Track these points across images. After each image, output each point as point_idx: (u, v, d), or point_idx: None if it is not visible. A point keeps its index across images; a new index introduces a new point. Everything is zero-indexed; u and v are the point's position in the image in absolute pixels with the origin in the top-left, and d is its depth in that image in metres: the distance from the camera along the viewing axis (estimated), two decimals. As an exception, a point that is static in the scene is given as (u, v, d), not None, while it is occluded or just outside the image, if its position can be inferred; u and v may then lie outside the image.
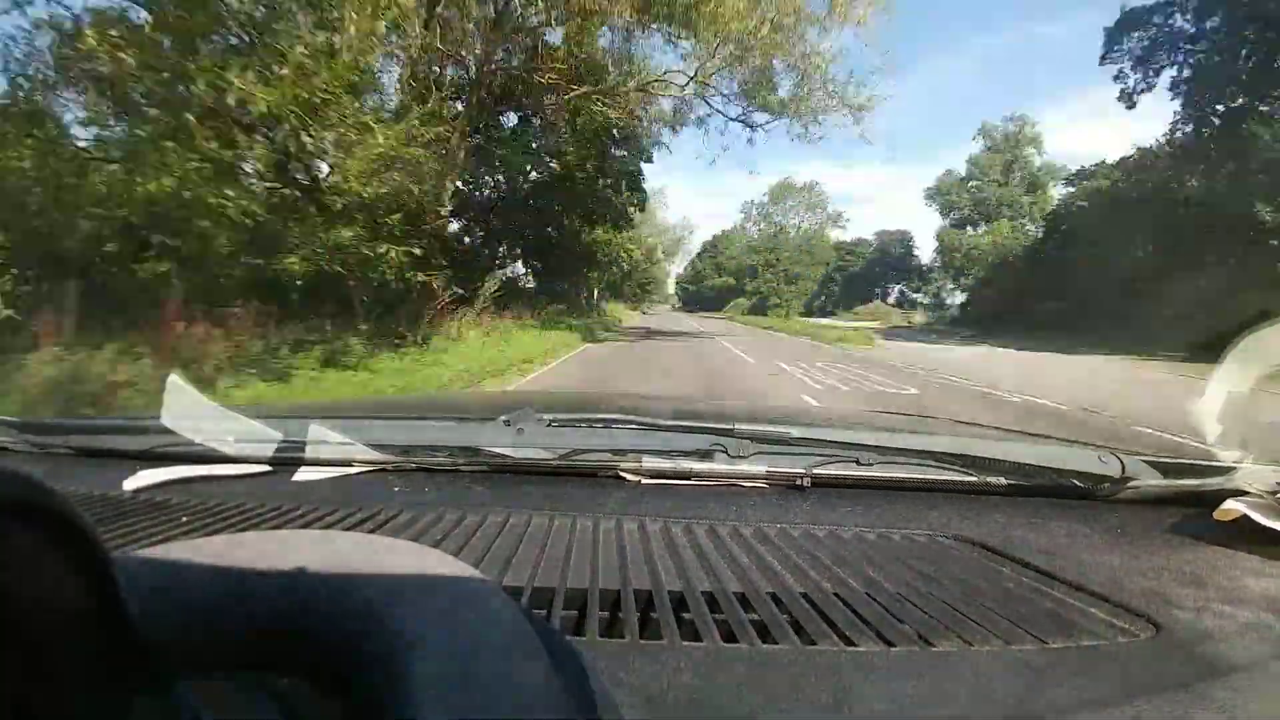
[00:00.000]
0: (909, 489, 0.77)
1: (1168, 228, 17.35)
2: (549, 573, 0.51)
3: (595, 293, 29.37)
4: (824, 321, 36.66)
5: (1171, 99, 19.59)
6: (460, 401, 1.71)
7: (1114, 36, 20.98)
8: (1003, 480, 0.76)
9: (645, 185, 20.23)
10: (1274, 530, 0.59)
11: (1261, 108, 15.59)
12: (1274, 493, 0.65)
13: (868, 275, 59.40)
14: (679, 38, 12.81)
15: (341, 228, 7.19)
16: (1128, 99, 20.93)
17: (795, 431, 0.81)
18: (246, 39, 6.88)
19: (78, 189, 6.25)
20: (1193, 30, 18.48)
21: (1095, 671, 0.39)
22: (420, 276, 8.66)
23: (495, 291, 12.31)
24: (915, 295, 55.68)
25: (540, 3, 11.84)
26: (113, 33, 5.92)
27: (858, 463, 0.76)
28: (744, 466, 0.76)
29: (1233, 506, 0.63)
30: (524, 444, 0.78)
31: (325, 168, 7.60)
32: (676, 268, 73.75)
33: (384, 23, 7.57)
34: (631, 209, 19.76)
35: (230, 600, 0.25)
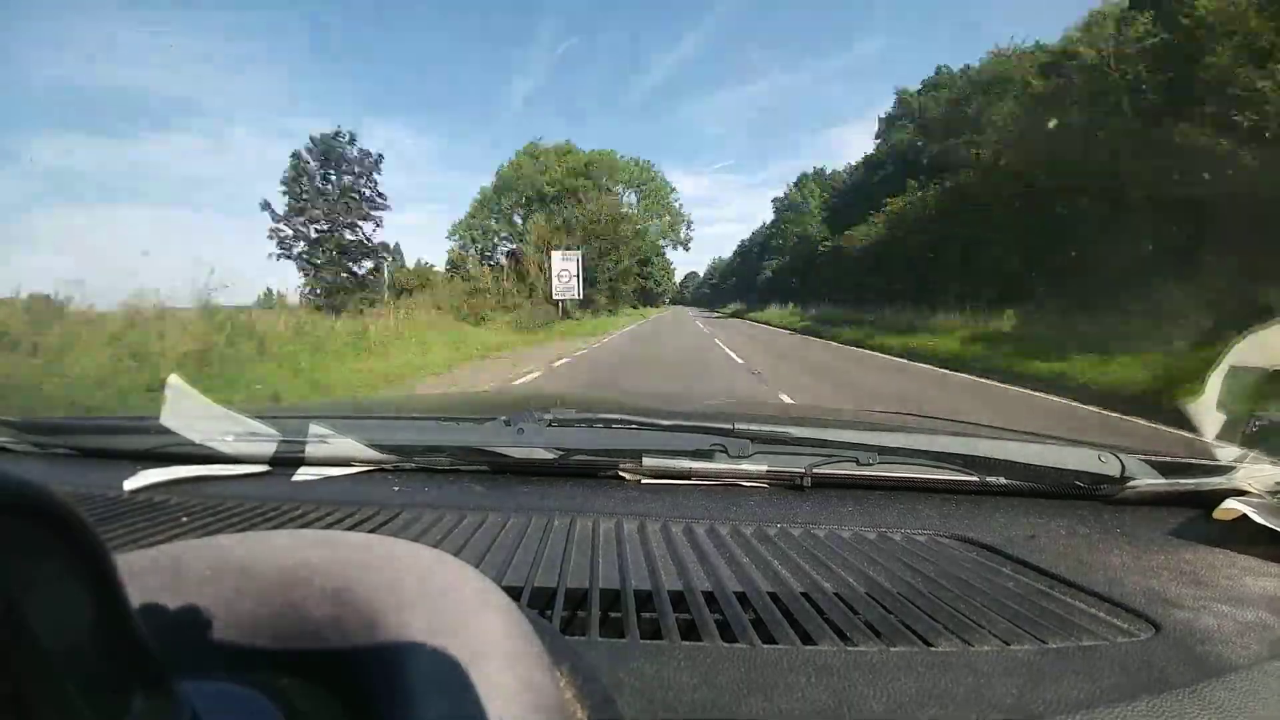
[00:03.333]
0: (909, 489, 0.77)
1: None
2: (549, 572, 0.51)
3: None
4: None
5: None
6: (460, 401, 1.70)
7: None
8: (1002, 480, 0.76)
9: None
10: (1273, 530, 0.59)
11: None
12: (1274, 492, 0.65)
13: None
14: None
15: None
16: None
17: (795, 431, 0.81)
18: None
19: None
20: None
21: (1095, 672, 0.39)
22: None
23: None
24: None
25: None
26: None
27: (857, 462, 0.76)
28: (744, 466, 0.76)
29: (1232, 506, 0.63)
30: (524, 444, 0.78)
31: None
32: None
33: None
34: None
35: (230, 600, 0.25)
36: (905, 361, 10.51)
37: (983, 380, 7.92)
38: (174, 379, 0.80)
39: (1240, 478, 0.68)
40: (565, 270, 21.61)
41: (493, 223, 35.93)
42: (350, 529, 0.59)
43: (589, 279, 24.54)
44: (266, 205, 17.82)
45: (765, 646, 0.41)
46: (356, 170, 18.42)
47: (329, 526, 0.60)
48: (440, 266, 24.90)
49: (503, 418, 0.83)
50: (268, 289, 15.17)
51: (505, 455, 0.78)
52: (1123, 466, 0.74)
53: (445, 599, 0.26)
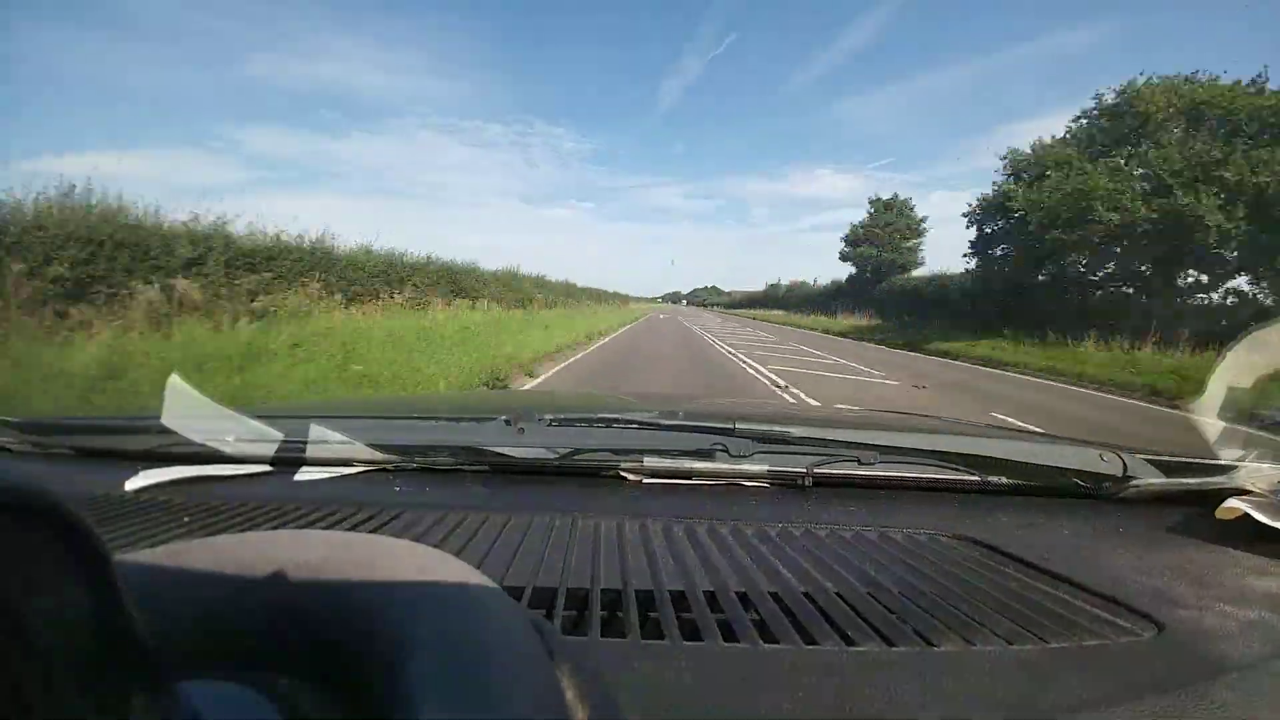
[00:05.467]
0: (910, 488, 0.77)
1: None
2: (550, 573, 0.51)
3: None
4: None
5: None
6: (461, 401, 1.70)
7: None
8: (1004, 480, 0.76)
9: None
10: (1276, 529, 0.59)
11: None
12: (1275, 491, 0.65)
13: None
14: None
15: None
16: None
17: (796, 431, 0.81)
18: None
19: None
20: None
21: (1097, 671, 0.39)
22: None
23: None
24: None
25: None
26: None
27: (859, 462, 0.76)
28: (745, 466, 0.76)
29: (1234, 505, 0.63)
30: (525, 444, 0.78)
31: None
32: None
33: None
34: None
35: (230, 600, 0.25)
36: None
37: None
38: (174, 379, 0.80)
39: (1242, 477, 0.68)
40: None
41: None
42: (351, 529, 0.59)
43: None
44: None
45: (767, 646, 0.41)
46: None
47: (330, 526, 0.59)
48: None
49: (504, 418, 0.83)
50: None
51: (506, 455, 0.77)
52: (1125, 466, 0.74)
53: (446, 599, 0.26)
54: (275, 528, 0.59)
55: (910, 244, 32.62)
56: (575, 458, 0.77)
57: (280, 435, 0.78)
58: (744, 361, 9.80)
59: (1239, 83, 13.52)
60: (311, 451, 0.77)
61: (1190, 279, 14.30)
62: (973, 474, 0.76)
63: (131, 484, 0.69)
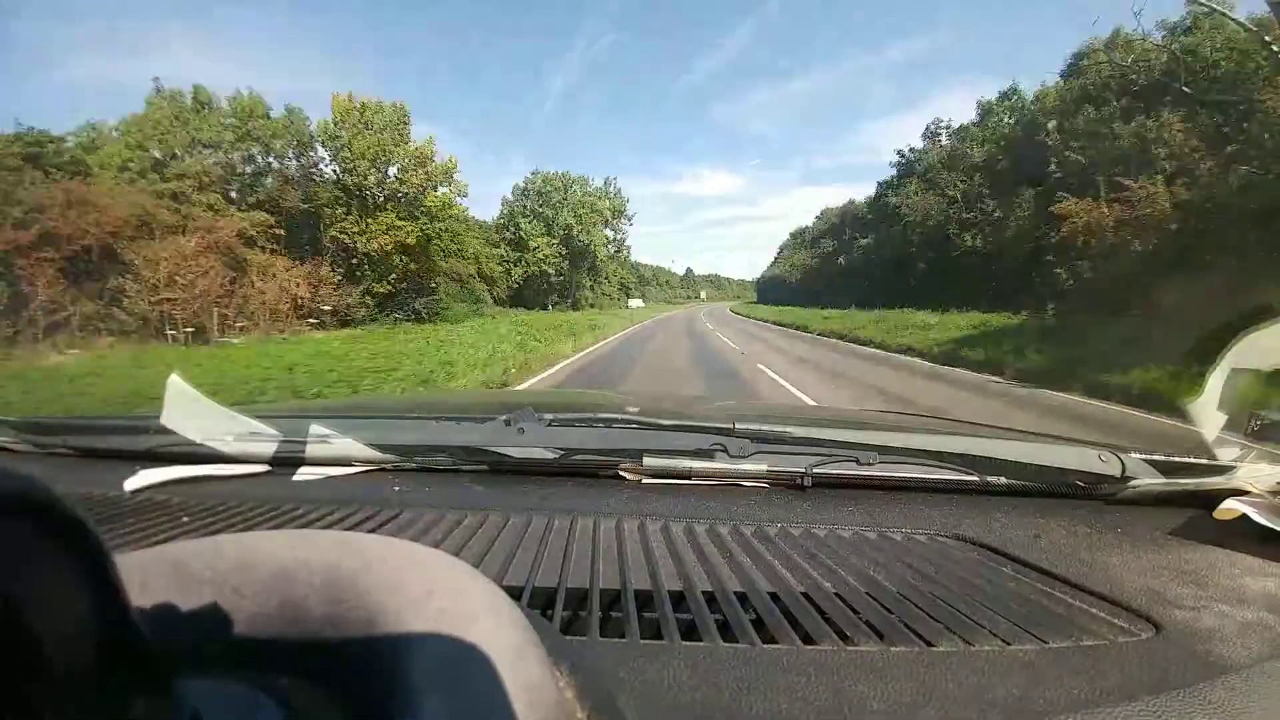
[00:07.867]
0: (909, 489, 0.77)
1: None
2: (549, 572, 0.51)
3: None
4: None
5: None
6: (460, 401, 1.70)
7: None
8: (1003, 480, 0.76)
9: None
10: (1273, 530, 0.59)
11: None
12: (1274, 492, 0.65)
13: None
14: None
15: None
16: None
17: (796, 431, 0.81)
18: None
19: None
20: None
21: (1095, 671, 0.39)
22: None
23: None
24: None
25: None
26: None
27: (858, 462, 0.76)
28: (744, 466, 0.76)
29: (1233, 506, 0.63)
30: (524, 444, 0.78)
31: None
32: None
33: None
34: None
35: (230, 600, 0.25)
36: None
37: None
38: (174, 379, 0.80)
39: (1241, 477, 0.68)
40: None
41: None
42: (350, 529, 0.59)
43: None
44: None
45: (765, 646, 0.41)
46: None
47: (329, 526, 0.59)
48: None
49: (503, 417, 0.83)
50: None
51: (506, 455, 0.77)
52: (1123, 466, 0.74)
53: (445, 599, 0.26)
54: (274, 528, 0.59)
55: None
56: (574, 457, 0.77)
57: (279, 435, 0.78)
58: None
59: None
60: (311, 451, 0.77)
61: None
62: (971, 474, 0.76)
63: (130, 484, 0.69)
